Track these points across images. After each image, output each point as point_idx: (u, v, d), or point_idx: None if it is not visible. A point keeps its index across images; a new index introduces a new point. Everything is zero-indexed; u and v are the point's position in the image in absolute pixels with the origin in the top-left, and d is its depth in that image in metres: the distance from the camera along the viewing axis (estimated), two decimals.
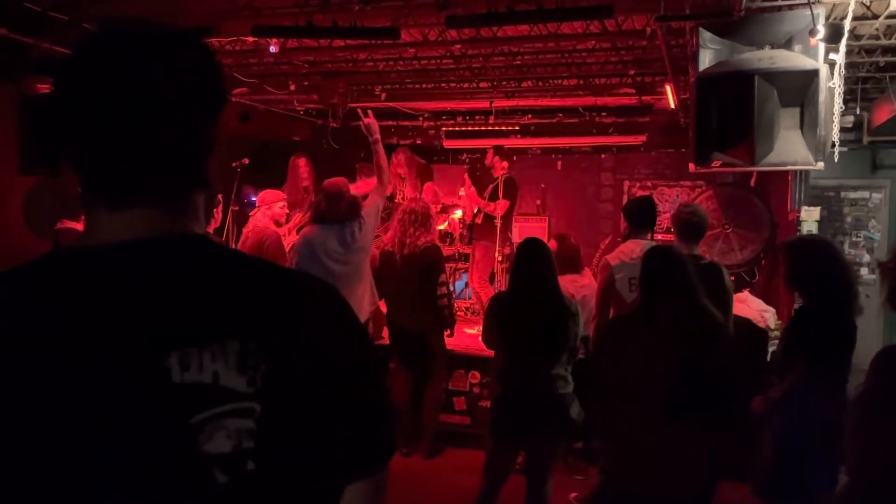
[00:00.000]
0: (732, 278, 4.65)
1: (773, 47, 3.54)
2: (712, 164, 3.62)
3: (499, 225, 6.46)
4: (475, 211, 7.03)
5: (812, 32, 3.35)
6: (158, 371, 0.78)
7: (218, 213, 5.12)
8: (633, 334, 3.14)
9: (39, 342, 0.79)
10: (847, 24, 3.41)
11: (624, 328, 3.30)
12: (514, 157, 7.29)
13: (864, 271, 7.06)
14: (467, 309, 7.44)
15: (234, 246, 5.63)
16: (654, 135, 8.10)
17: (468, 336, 6.08)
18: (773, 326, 5.06)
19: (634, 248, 4.11)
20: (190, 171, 0.89)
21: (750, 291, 5.73)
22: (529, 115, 8.13)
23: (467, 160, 9.43)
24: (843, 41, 3.40)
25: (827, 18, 3.57)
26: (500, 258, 6.53)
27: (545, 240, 4.64)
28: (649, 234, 4.50)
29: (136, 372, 0.78)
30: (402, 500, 4.17)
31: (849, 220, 7.30)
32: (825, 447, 2.69)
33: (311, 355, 0.84)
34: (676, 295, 3.08)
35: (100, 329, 0.79)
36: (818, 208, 5.62)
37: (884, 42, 4.50)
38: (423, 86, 7.02)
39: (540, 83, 6.84)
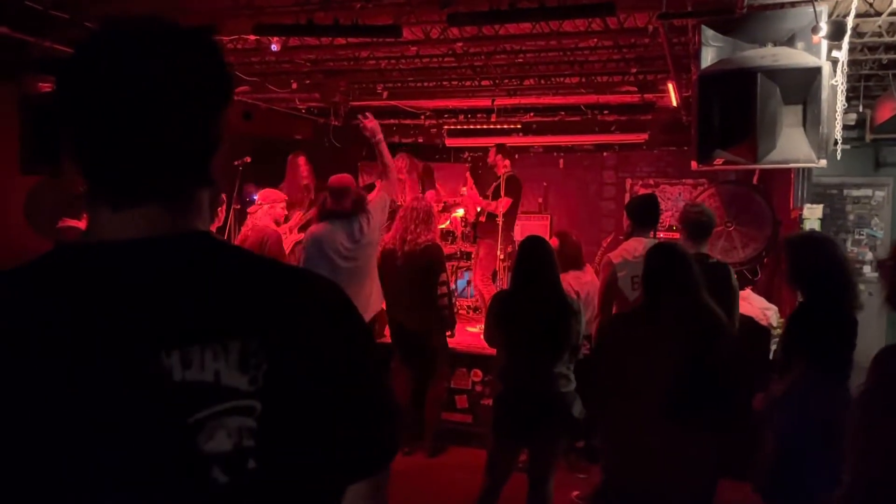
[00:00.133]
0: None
1: (775, 45, 3.53)
2: (715, 162, 3.62)
3: (500, 223, 6.45)
4: (478, 210, 7.04)
5: (815, 30, 3.34)
6: (159, 370, 0.78)
7: (222, 212, 5.12)
8: (634, 332, 3.13)
9: (39, 342, 0.79)
10: (850, 22, 3.40)
11: (626, 326, 3.29)
12: (516, 156, 7.29)
13: (866, 269, 7.05)
14: (469, 307, 7.44)
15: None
16: (656, 133, 8.09)
17: (470, 334, 6.09)
18: (775, 324, 5.05)
19: (637, 247, 4.11)
20: (192, 169, 0.89)
21: (752, 289, 5.72)
22: (531, 114, 8.13)
23: (469, 158, 9.44)
24: (846, 38, 3.39)
25: (830, 15, 3.56)
26: (501, 256, 6.53)
27: (547, 238, 4.63)
28: (652, 232, 4.49)
29: (137, 371, 0.78)
30: (404, 499, 4.17)
31: (851, 217, 7.28)
32: (826, 445, 2.69)
33: (312, 355, 0.84)
34: (679, 293, 3.07)
35: (100, 329, 0.79)
36: (821, 206, 5.62)
37: (887, 39, 4.49)
38: (425, 84, 7.02)
39: (542, 81, 6.84)
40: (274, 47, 5.10)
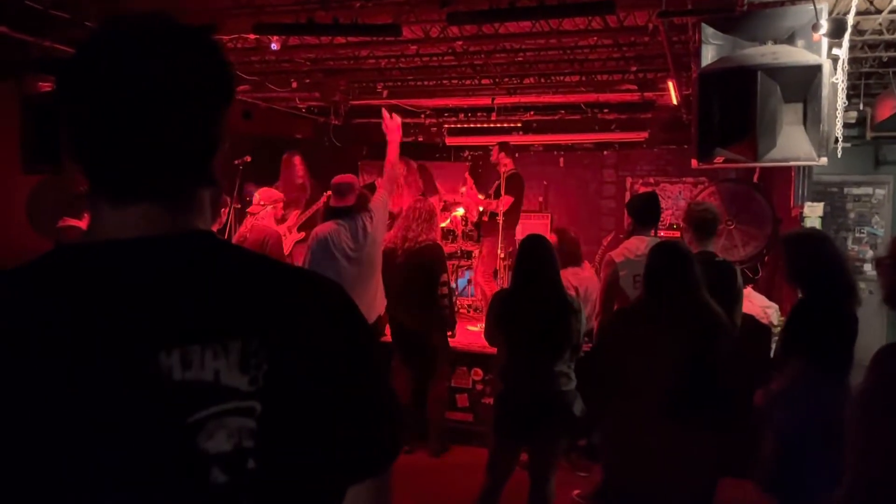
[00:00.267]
0: None
1: (775, 42, 3.53)
2: (715, 161, 3.61)
3: (500, 221, 6.45)
4: (480, 209, 7.04)
5: (815, 27, 3.33)
6: (159, 370, 0.78)
7: (224, 212, 5.13)
8: (635, 331, 3.14)
9: (39, 342, 0.79)
10: (850, 19, 3.40)
11: (626, 325, 3.29)
12: (517, 154, 7.30)
13: (867, 267, 7.04)
14: (469, 306, 7.44)
15: None
16: (656, 131, 8.09)
17: (471, 333, 6.09)
18: (776, 323, 5.05)
19: (639, 245, 4.10)
20: (192, 169, 0.89)
21: (753, 288, 5.72)
22: (531, 112, 8.13)
23: (469, 157, 9.43)
24: (847, 36, 3.38)
25: (830, 13, 3.55)
26: (502, 255, 6.54)
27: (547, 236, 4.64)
28: (653, 231, 4.49)
29: (137, 371, 0.78)
30: (405, 498, 4.18)
31: (852, 216, 7.27)
32: (826, 441, 2.69)
33: (312, 355, 0.84)
34: (680, 292, 3.07)
35: (100, 329, 0.79)
36: (821, 204, 5.61)
37: (887, 37, 4.48)
38: (425, 83, 7.02)
39: (542, 80, 6.83)
40: (274, 46, 5.10)
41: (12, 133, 4.59)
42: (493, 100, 7.56)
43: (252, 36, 4.80)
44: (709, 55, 3.63)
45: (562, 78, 6.74)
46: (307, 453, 0.82)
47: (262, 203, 5.51)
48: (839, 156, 4.03)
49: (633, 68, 6.22)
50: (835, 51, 3.48)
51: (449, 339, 5.37)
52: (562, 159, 9.19)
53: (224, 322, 0.81)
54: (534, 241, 3.67)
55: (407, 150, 5.05)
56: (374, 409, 0.89)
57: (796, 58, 3.38)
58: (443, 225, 7.36)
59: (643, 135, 8.17)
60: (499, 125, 8.37)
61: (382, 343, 5.30)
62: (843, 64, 3.54)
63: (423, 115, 8.50)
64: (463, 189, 7.36)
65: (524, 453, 3.68)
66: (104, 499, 0.76)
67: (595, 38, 5.39)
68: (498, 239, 6.52)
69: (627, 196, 8.58)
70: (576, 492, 4.43)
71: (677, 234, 7.30)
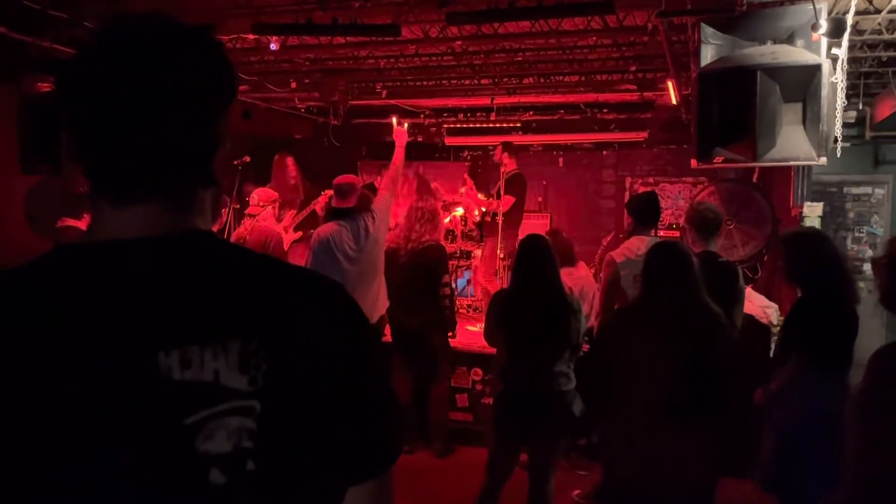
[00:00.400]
0: None
1: (775, 42, 3.53)
2: (714, 160, 3.61)
3: (500, 222, 6.45)
4: (482, 210, 7.04)
5: (814, 27, 3.33)
6: (158, 370, 0.78)
7: (223, 212, 5.13)
8: (634, 331, 3.13)
9: (39, 342, 0.79)
10: (849, 19, 3.40)
11: (625, 324, 3.29)
12: (517, 154, 7.30)
13: (866, 267, 7.05)
14: (468, 306, 7.44)
15: None
16: (655, 131, 8.09)
17: (470, 333, 6.08)
18: (775, 322, 5.05)
19: (639, 245, 4.10)
20: (193, 168, 0.89)
21: (752, 287, 5.72)
22: (531, 112, 8.13)
23: (468, 157, 9.43)
24: (846, 36, 3.38)
25: (829, 13, 3.55)
26: (501, 255, 6.54)
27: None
28: (653, 231, 4.49)
29: (136, 371, 0.78)
30: (405, 498, 4.17)
31: (851, 215, 7.27)
32: (825, 439, 2.69)
33: (312, 355, 0.84)
34: (679, 292, 3.07)
35: (100, 329, 0.79)
36: (821, 204, 5.62)
37: (886, 37, 4.48)
38: (424, 83, 7.02)
39: (541, 80, 6.83)
40: (273, 46, 5.10)
41: (11, 133, 4.59)
42: (492, 100, 7.56)
43: (251, 36, 4.80)
44: (708, 55, 3.63)
45: (561, 78, 6.74)
46: (307, 454, 0.82)
47: (261, 204, 5.51)
48: (838, 155, 4.03)
49: (633, 68, 6.22)
50: (834, 50, 3.48)
51: (449, 339, 5.37)
52: (561, 159, 9.19)
53: (224, 322, 0.81)
54: (533, 241, 3.67)
55: (406, 149, 5.06)
56: (375, 409, 0.89)
57: (796, 57, 3.38)
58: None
59: (642, 135, 8.17)
60: (498, 125, 8.37)
61: (383, 343, 5.30)
62: (843, 63, 3.54)
63: (422, 115, 8.50)
64: (462, 189, 7.36)
65: (524, 453, 3.68)
66: (104, 499, 0.76)
67: (594, 38, 5.39)
68: (493, 239, 6.52)
69: (627, 196, 8.58)
70: (576, 492, 4.43)
71: (677, 233, 7.31)
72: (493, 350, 3.98)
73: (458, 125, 8.67)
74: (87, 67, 0.84)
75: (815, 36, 3.40)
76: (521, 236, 6.37)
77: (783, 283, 4.45)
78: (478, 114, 8.48)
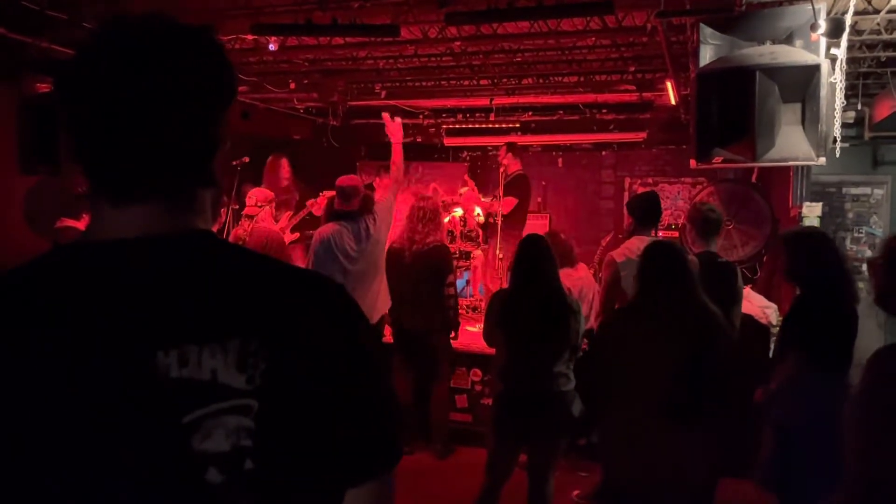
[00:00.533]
0: None
1: (773, 42, 3.53)
2: (713, 161, 3.61)
3: (498, 223, 6.46)
4: (484, 213, 7.03)
5: (813, 27, 3.33)
6: (156, 368, 0.78)
7: (223, 213, 5.12)
8: (632, 331, 3.13)
9: (40, 342, 0.79)
10: (848, 19, 3.40)
11: (623, 325, 3.29)
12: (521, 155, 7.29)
13: (865, 267, 7.05)
14: (468, 307, 7.44)
15: None
16: (654, 131, 8.09)
17: (469, 333, 6.08)
18: (774, 323, 5.05)
19: (640, 246, 4.07)
20: (192, 169, 0.89)
21: (752, 288, 5.72)
22: (530, 113, 8.12)
23: (468, 158, 9.43)
24: (845, 36, 3.38)
25: (828, 13, 3.55)
26: (500, 255, 6.54)
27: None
28: (653, 231, 4.49)
29: (135, 370, 0.78)
30: (404, 498, 4.17)
31: (850, 216, 7.27)
32: (825, 438, 2.69)
33: (312, 355, 0.83)
34: (675, 292, 3.07)
35: (100, 329, 0.79)
36: (820, 204, 5.62)
37: (885, 37, 4.48)
38: (423, 83, 7.01)
39: (540, 80, 6.83)
40: (272, 47, 5.10)
41: (10, 134, 4.58)
42: (491, 100, 7.55)
43: (250, 37, 4.79)
44: (707, 55, 3.63)
45: (560, 78, 6.74)
46: (306, 454, 0.82)
47: (258, 205, 5.51)
48: (837, 156, 4.03)
49: (632, 68, 6.22)
50: (833, 51, 3.47)
51: (451, 340, 5.37)
52: (560, 160, 9.18)
53: (223, 321, 0.81)
54: (532, 241, 3.67)
55: (405, 150, 5.06)
56: (374, 409, 0.89)
57: (794, 58, 3.38)
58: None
59: (642, 135, 8.17)
60: (497, 126, 8.37)
61: (383, 344, 5.30)
62: (842, 64, 3.54)
63: (421, 116, 8.50)
64: (463, 190, 7.35)
65: (523, 453, 3.68)
66: (103, 499, 0.76)
67: (593, 39, 5.38)
68: (497, 240, 6.51)
69: (626, 196, 8.58)
70: (575, 492, 4.43)
71: (675, 234, 7.31)
72: (492, 351, 3.97)
73: (457, 126, 8.66)
74: (86, 68, 0.84)
75: (813, 36, 3.40)
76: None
77: (782, 283, 4.45)
78: (477, 114, 8.48)
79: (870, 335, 3.43)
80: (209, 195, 0.93)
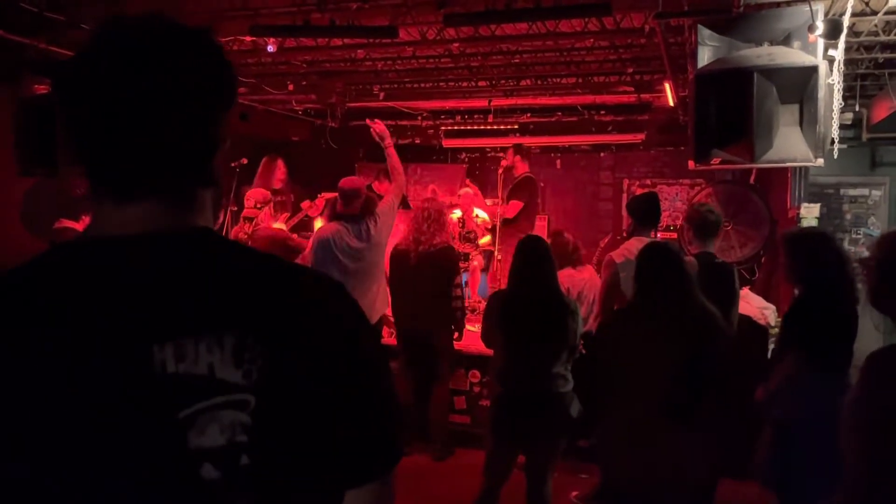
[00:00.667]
0: None
1: (771, 44, 3.53)
2: (712, 162, 3.61)
3: (497, 225, 6.45)
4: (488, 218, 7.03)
5: (811, 29, 3.34)
6: (153, 363, 0.78)
7: (220, 214, 5.12)
8: (630, 332, 3.14)
9: (40, 341, 0.79)
10: (846, 21, 3.40)
11: (622, 326, 3.29)
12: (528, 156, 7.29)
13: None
14: (466, 308, 7.43)
15: None
16: (653, 133, 8.10)
17: (468, 335, 6.07)
18: (773, 324, 5.05)
19: (639, 246, 4.08)
20: (192, 169, 0.89)
21: (750, 289, 5.73)
22: (528, 114, 8.13)
23: (466, 159, 9.43)
24: (842, 37, 3.39)
25: (826, 15, 3.56)
26: (499, 258, 6.53)
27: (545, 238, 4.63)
28: (653, 232, 4.49)
29: (135, 371, 0.78)
30: (402, 499, 4.16)
31: (848, 217, 7.28)
32: (824, 438, 2.69)
33: (311, 353, 0.83)
34: (673, 292, 3.08)
35: (99, 328, 0.79)
36: (818, 205, 5.63)
37: (883, 38, 4.49)
38: (422, 85, 7.01)
39: (539, 82, 6.83)
40: (270, 48, 5.09)
41: (8, 135, 4.58)
42: (489, 102, 7.56)
43: (248, 38, 4.79)
44: (705, 56, 3.63)
45: (558, 80, 6.74)
46: (304, 452, 0.82)
47: (257, 206, 5.51)
48: (835, 157, 4.03)
49: (630, 70, 6.22)
50: (831, 52, 3.48)
51: (455, 341, 5.37)
52: (559, 161, 9.19)
53: (220, 316, 0.81)
54: (531, 242, 3.68)
55: (404, 152, 5.07)
56: (374, 409, 0.89)
57: (792, 59, 3.39)
58: None
59: (640, 136, 8.18)
60: (496, 127, 8.37)
61: (383, 345, 5.29)
62: (839, 65, 3.55)
63: (419, 118, 8.50)
64: (463, 191, 7.35)
65: (522, 455, 3.68)
66: (103, 498, 0.76)
67: (591, 40, 5.38)
68: (496, 242, 6.51)
69: (625, 198, 8.60)
70: (573, 493, 4.42)
71: (674, 235, 7.32)
72: (491, 352, 3.97)
73: (455, 127, 8.67)
74: (86, 68, 0.85)
75: (811, 37, 3.40)
76: None
77: (781, 284, 4.45)
78: (475, 116, 8.48)
79: (869, 335, 3.43)
80: (209, 195, 0.93)
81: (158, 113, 0.84)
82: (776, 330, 4.89)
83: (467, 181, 7.45)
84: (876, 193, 7.22)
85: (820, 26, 3.31)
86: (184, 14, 4.23)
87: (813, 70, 3.34)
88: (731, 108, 3.44)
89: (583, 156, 9.08)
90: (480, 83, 6.85)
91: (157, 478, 0.77)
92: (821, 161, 3.43)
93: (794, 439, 2.97)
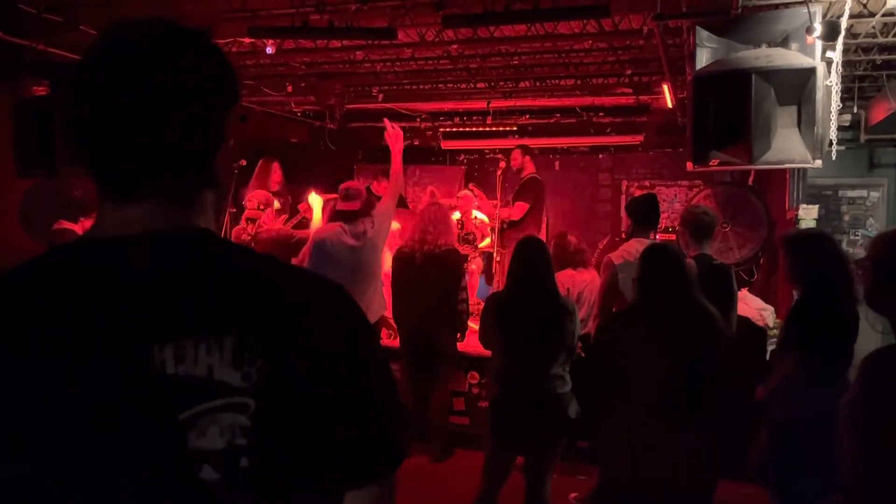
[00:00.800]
0: None
1: (769, 45, 3.54)
2: (710, 163, 3.62)
3: (497, 227, 6.45)
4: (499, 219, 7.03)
5: (809, 30, 3.34)
6: (152, 364, 0.78)
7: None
8: (630, 333, 3.14)
9: (40, 342, 0.79)
10: (844, 22, 3.41)
11: (622, 327, 3.30)
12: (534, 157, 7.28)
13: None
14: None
15: None
16: (651, 134, 8.11)
17: (470, 334, 6.06)
18: (771, 325, 5.06)
19: (639, 248, 4.08)
20: (192, 169, 0.90)
21: (748, 290, 5.73)
22: (527, 116, 8.14)
23: (465, 161, 9.44)
24: (840, 39, 3.39)
25: (824, 16, 3.56)
26: (498, 259, 6.53)
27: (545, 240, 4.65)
28: (652, 234, 4.49)
29: (135, 371, 0.78)
30: (403, 501, 4.16)
31: (846, 218, 7.29)
32: (824, 438, 2.69)
33: (311, 354, 0.83)
34: (673, 293, 3.08)
35: (99, 329, 0.80)
36: (816, 207, 5.63)
37: (880, 40, 4.50)
38: (421, 86, 7.02)
39: (537, 83, 6.84)
40: (269, 50, 5.09)
41: (6, 136, 4.58)
42: (488, 103, 7.56)
43: (247, 40, 4.80)
44: (703, 58, 3.64)
45: (557, 81, 6.75)
46: (304, 454, 0.82)
47: (260, 207, 5.52)
48: (833, 158, 4.04)
49: (628, 72, 6.23)
50: (829, 54, 3.49)
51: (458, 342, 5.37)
52: (557, 163, 9.19)
53: (219, 317, 0.81)
54: (529, 243, 3.67)
55: (403, 153, 5.06)
56: (375, 410, 0.89)
57: (790, 61, 3.40)
58: None
59: (638, 138, 8.19)
60: (494, 129, 8.38)
61: (384, 346, 5.29)
62: (837, 67, 3.55)
63: (418, 119, 8.51)
64: (462, 193, 7.35)
65: (520, 456, 3.67)
66: (103, 499, 0.76)
67: (590, 42, 5.39)
68: (496, 244, 6.51)
69: (623, 199, 8.60)
70: (572, 494, 4.42)
71: (672, 236, 7.31)
72: (489, 353, 3.97)
73: (454, 129, 8.67)
74: (87, 70, 0.85)
75: (809, 39, 3.41)
76: None
77: (779, 286, 4.46)
78: (474, 117, 8.49)
79: (869, 335, 3.44)
80: (210, 195, 0.93)
81: (158, 113, 0.84)
82: (775, 331, 4.90)
83: (471, 185, 7.44)
84: (874, 195, 7.24)
85: (818, 28, 3.32)
86: (182, 16, 4.23)
87: (811, 72, 3.34)
88: (729, 110, 3.45)
89: (581, 157, 9.09)
90: (479, 85, 6.86)
91: (156, 478, 0.77)
92: (819, 162, 3.44)
93: (794, 439, 2.97)
